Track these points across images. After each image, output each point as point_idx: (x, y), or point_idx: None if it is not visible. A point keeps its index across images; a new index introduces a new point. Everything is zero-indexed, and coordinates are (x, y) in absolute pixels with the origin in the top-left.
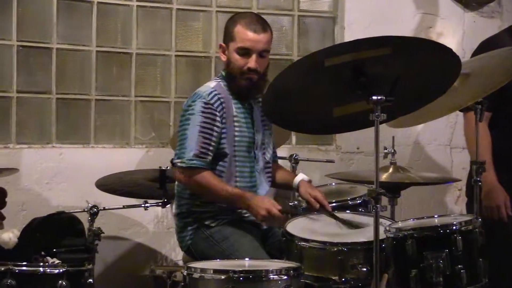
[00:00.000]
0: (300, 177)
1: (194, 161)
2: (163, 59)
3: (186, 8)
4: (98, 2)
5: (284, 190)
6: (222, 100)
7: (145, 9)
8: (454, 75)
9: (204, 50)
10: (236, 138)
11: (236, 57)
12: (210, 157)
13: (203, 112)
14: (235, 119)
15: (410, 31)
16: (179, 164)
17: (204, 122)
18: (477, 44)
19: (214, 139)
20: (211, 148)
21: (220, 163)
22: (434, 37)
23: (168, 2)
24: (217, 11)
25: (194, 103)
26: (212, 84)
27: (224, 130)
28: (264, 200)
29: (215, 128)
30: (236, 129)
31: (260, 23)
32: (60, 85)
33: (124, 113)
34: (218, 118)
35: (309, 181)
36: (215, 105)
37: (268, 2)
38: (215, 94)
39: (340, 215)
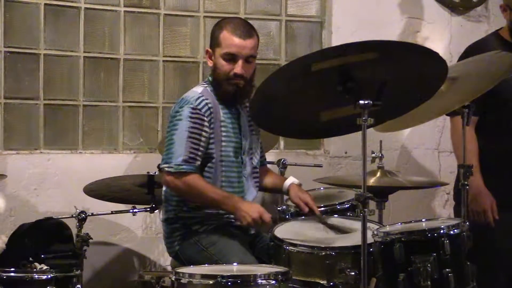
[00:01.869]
0: (290, 180)
1: (183, 166)
2: (151, 64)
3: (174, 14)
4: (86, 8)
5: (272, 194)
6: (209, 105)
7: (132, 15)
8: (441, 79)
9: (191, 55)
10: (223, 143)
11: (222, 62)
12: (198, 162)
13: (191, 117)
14: (222, 124)
15: (397, 35)
16: (166, 169)
17: (192, 127)
18: (464, 48)
19: (202, 144)
20: (199, 153)
21: (207, 168)
22: (421, 42)
23: (155, 8)
24: (204, 16)
25: (182, 109)
26: (199, 89)
27: (212, 135)
28: (254, 205)
29: (203, 133)
30: (223, 134)
31: (246, 28)
32: (48, 91)
33: (112, 119)
34: (206, 123)
35: (299, 185)
36: (203, 110)
37: (255, 7)
38: (203, 100)
39: (329, 219)
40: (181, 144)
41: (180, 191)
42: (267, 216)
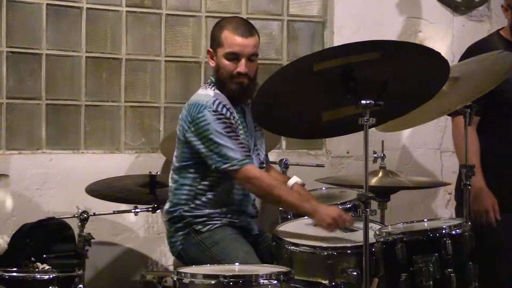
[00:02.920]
0: (293, 180)
1: (246, 160)
2: (153, 64)
3: (176, 13)
4: (88, 8)
5: None
6: (227, 107)
7: (134, 15)
8: (443, 79)
9: (193, 55)
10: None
11: (225, 62)
12: (249, 152)
13: (218, 119)
14: (238, 122)
15: (399, 35)
16: (230, 168)
17: (226, 127)
18: (466, 48)
19: (241, 137)
20: (246, 146)
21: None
22: (423, 41)
23: (157, 8)
24: (206, 16)
25: (203, 114)
26: (210, 92)
27: None
28: (331, 207)
29: (233, 127)
30: (240, 132)
31: (247, 27)
32: (50, 91)
33: (114, 119)
34: (232, 122)
35: (303, 185)
36: (223, 111)
37: (257, 7)
38: (219, 102)
39: None
40: (226, 143)
41: (255, 191)
42: (347, 215)
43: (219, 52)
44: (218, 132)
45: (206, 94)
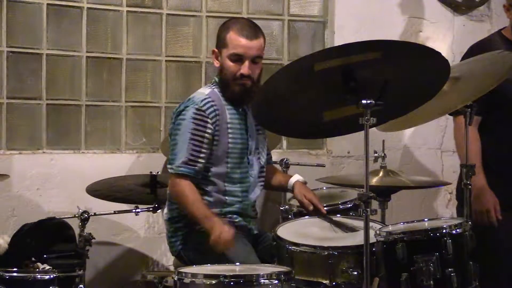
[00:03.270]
0: (295, 178)
1: (182, 168)
2: (153, 64)
3: (176, 13)
4: (88, 8)
5: (275, 194)
6: (215, 107)
7: (135, 14)
8: (444, 78)
9: (194, 55)
10: (230, 145)
11: (229, 63)
12: (200, 164)
13: (194, 118)
14: (229, 125)
15: (400, 35)
16: (169, 169)
17: (195, 129)
18: (467, 47)
19: (205, 145)
20: (201, 155)
21: (212, 169)
22: (423, 41)
23: (158, 7)
24: (207, 16)
25: (187, 109)
26: (206, 91)
27: (216, 137)
28: (226, 228)
29: (206, 135)
30: (230, 135)
31: (252, 29)
32: (51, 91)
33: (114, 119)
34: (209, 125)
35: (304, 183)
36: (208, 111)
37: (258, 7)
38: (209, 101)
39: (332, 219)
40: (182, 145)
41: (173, 196)
42: (226, 237)
43: (224, 53)
44: (184, 131)
45: (202, 92)
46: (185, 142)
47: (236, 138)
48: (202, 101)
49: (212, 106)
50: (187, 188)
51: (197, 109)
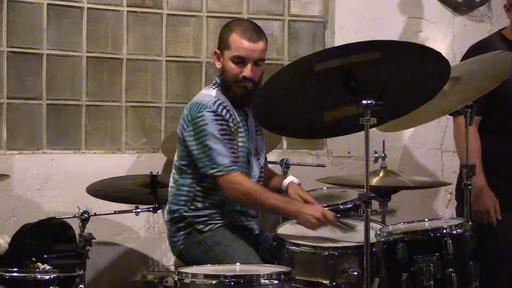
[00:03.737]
0: (289, 179)
1: (232, 167)
2: (154, 64)
3: (177, 13)
4: (88, 8)
5: None
6: (227, 108)
7: (135, 15)
8: (444, 79)
9: (194, 55)
10: (240, 144)
11: (231, 65)
12: (239, 161)
13: (216, 120)
14: (238, 126)
15: (400, 35)
16: (215, 173)
17: (222, 130)
18: (467, 48)
19: (235, 143)
20: (236, 152)
21: None
22: (423, 41)
23: (158, 7)
24: (207, 16)
25: (202, 114)
26: (212, 92)
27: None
28: (315, 206)
29: (232, 135)
30: (240, 135)
31: (255, 31)
32: (51, 91)
33: (115, 119)
34: (230, 125)
35: (299, 184)
36: (223, 113)
37: (258, 7)
38: (220, 103)
39: None
40: (218, 147)
41: (236, 197)
42: (330, 214)
43: (226, 55)
44: (212, 134)
45: (208, 94)
46: (219, 143)
47: (243, 138)
48: (214, 103)
49: (224, 107)
50: (248, 182)
51: (213, 112)
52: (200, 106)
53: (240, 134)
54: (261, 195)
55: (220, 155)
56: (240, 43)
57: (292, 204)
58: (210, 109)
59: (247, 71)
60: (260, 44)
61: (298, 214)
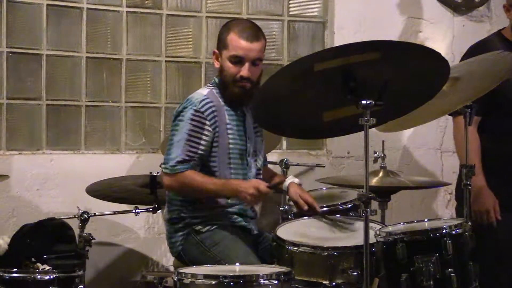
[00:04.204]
0: (290, 179)
1: (178, 167)
2: (153, 64)
3: (176, 14)
4: (88, 8)
5: (275, 194)
6: (214, 108)
7: (135, 15)
8: (443, 79)
9: (194, 55)
10: (230, 146)
11: (229, 65)
12: (195, 161)
13: (192, 119)
14: (228, 127)
15: (399, 35)
16: (163, 169)
17: (192, 130)
18: (467, 48)
19: (201, 147)
20: (197, 156)
21: (217, 172)
22: (423, 42)
23: (158, 8)
24: (207, 17)
25: (185, 110)
26: (204, 91)
27: (216, 139)
28: (250, 182)
29: (204, 137)
30: (230, 136)
31: (253, 31)
32: (50, 91)
33: (114, 119)
34: (207, 127)
35: (300, 184)
36: (206, 113)
37: (257, 7)
38: (207, 102)
39: (331, 219)
40: (179, 146)
41: (176, 190)
42: (262, 186)
43: (224, 54)
44: (182, 132)
45: (200, 92)
46: (182, 142)
47: (235, 139)
48: (200, 102)
49: (210, 107)
50: (191, 174)
51: (196, 111)
52: (187, 102)
53: (230, 136)
54: (199, 182)
55: (175, 153)
56: (237, 42)
57: (229, 185)
58: (194, 107)
59: (244, 70)
60: (258, 44)
61: (237, 193)
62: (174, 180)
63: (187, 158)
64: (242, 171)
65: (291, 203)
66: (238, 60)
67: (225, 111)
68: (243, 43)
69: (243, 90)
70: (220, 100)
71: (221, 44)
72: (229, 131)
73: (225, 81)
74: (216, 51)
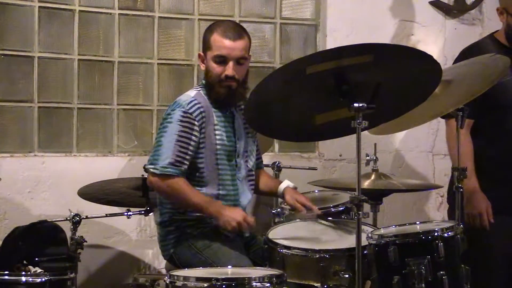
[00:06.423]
0: (285, 184)
1: (169, 169)
2: (145, 67)
3: (168, 16)
4: (80, 11)
5: (267, 197)
6: (202, 109)
7: (127, 17)
8: (435, 82)
9: (186, 58)
10: (218, 147)
11: (213, 65)
12: (185, 166)
13: (181, 121)
14: (216, 127)
15: (392, 38)
16: (152, 170)
17: (182, 131)
18: (459, 51)
19: (191, 148)
20: (187, 157)
21: (205, 173)
22: (415, 45)
23: (150, 10)
24: (199, 19)
25: (173, 112)
26: (192, 93)
27: (203, 140)
28: (236, 209)
29: (193, 138)
30: (217, 137)
31: (236, 30)
32: (42, 94)
33: (106, 122)
34: (196, 128)
35: (295, 188)
36: (194, 114)
37: (250, 10)
38: (195, 104)
39: (324, 222)
40: (169, 147)
41: (164, 193)
42: (250, 219)
43: (208, 55)
44: (170, 133)
45: (188, 94)
46: (171, 144)
47: (223, 140)
48: (188, 103)
49: (198, 108)
50: (181, 182)
51: (184, 112)
52: (175, 105)
53: (217, 137)
54: (187, 192)
55: (165, 154)
56: (220, 42)
57: (214, 205)
58: (183, 109)
59: (229, 69)
60: (241, 42)
61: (219, 215)
62: (163, 182)
63: (178, 159)
64: (230, 172)
65: (284, 205)
66: (222, 60)
67: (213, 112)
68: (226, 42)
69: (229, 90)
70: (208, 101)
71: (205, 45)
72: (217, 132)
73: (210, 82)
74: (201, 53)
